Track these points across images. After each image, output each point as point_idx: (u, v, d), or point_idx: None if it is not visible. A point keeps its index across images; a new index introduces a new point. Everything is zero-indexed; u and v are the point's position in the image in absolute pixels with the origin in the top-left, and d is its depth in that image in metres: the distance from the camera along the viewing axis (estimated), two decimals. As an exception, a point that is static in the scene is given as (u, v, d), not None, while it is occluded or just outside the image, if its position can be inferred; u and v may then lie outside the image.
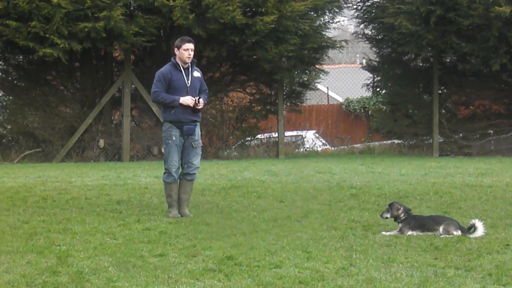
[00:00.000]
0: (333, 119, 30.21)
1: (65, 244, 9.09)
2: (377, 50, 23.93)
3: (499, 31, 20.83)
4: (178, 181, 11.18)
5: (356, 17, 23.44)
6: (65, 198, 12.69)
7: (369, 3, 23.16)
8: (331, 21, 22.89)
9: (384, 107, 25.46)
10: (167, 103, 11.02)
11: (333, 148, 26.13)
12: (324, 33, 22.34)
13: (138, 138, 21.63)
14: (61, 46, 19.40)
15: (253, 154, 22.49)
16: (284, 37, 20.81)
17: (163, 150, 11.52)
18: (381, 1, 22.81)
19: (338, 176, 15.91)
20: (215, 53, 20.94)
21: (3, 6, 19.31)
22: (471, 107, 24.30)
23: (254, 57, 21.56)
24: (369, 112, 29.29)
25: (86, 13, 19.56)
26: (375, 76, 24.49)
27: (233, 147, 23.13)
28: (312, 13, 21.85)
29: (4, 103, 22.56)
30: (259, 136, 23.78)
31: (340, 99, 32.71)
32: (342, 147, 25.93)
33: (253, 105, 23.46)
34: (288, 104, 23.63)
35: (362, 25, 23.69)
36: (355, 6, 23.27)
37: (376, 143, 25.16)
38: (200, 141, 11.28)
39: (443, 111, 23.53)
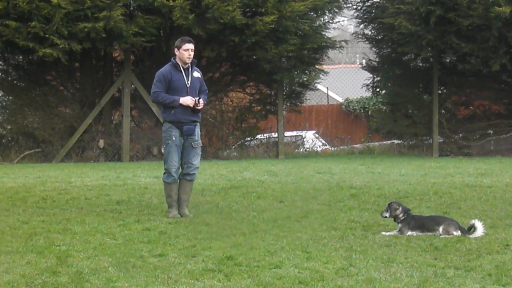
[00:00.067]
0: (333, 119, 30.22)
1: (65, 244, 9.09)
2: (377, 50, 23.94)
3: (498, 31, 20.83)
4: (178, 181, 11.19)
5: (356, 17, 23.45)
6: (65, 198, 12.69)
7: (369, 3, 23.16)
8: (331, 21, 22.90)
9: (384, 107, 25.46)
10: (167, 103, 11.02)
11: (333, 148, 26.13)
12: (324, 33, 22.35)
13: (138, 138, 21.63)
14: (61, 46, 19.40)
15: (252, 154, 22.49)
16: (284, 37, 20.82)
17: (163, 151, 11.52)
18: (381, 1, 22.81)
19: (338, 176, 15.91)
20: (214, 53, 20.94)
21: (3, 6, 19.30)
22: (471, 107, 24.31)
23: (254, 57, 21.57)
24: (369, 112, 29.29)
25: (86, 13, 19.56)
26: (375, 76, 24.49)
27: (233, 147, 23.13)
28: (312, 13, 21.85)
29: (4, 103, 22.55)
30: (259, 136, 23.78)
31: (340, 99, 32.71)
32: (342, 147, 25.93)
33: (253, 105, 23.46)
34: (288, 104, 23.63)
35: (362, 25, 23.69)
36: (355, 6, 23.27)
37: (376, 143, 25.17)
38: (200, 141, 11.28)
39: (443, 111, 23.53)
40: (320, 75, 23.32)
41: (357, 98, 30.50)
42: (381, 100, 26.25)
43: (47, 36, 19.36)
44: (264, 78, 22.76)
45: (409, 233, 9.79)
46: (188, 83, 11.06)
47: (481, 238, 9.47)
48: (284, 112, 23.51)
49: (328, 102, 32.99)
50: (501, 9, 20.28)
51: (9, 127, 22.00)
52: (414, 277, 7.63)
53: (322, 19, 22.53)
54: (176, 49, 11.09)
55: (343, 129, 29.04)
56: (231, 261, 8.23)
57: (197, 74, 11.21)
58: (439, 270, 7.95)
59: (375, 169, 17.34)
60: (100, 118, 21.48)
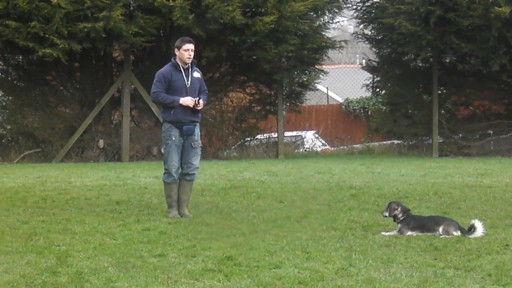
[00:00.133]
0: (333, 120, 30.22)
1: (65, 244, 9.09)
2: (377, 51, 23.94)
3: (498, 32, 20.84)
4: (178, 181, 11.18)
5: (356, 18, 23.45)
6: (65, 199, 12.69)
7: (368, 4, 23.17)
8: (330, 21, 22.90)
9: (384, 108, 25.46)
10: (167, 103, 11.02)
11: (332, 149, 26.13)
12: (323, 33, 22.35)
13: (138, 138, 21.63)
14: (60, 46, 19.40)
15: (252, 155, 22.49)
16: (283, 38, 20.82)
17: (162, 151, 11.52)
18: (380, 2, 22.81)
19: (337, 176, 15.92)
20: (214, 54, 20.94)
21: (2, 6, 19.30)
22: (470, 108, 24.31)
23: (254, 57, 21.57)
24: (369, 112, 29.30)
25: (85, 13, 19.56)
26: (375, 76, 24.50)
27: (233, 147, 23.14)
28: (311, 13, 21.84)
29: (4, 103, 22.55)
30: (258, 136, 23.78)
31: (340, 100, 32.72)
32: (341, 147, 25.93)
33: (252, 105, 23.47)
34: (288, 104, 23.64)
35: (361, 26, 23.69)
36: (354, 7, 23.28)
37: (376, 143, 25.17)
38: (200, 141, 11.28)
39: (443, 111, 23.54)
40: (320, 75, 23.34)
41: (357, 98, 30.51)
42: (381, 100, 26.26)
43: (47, 36, 19.36)
44: (264, 78, 22.76)
45: (409, 233, 9.79)
46: (188, 84, 11.06)
47: (481, 238, 9.47)
48: (284, 112, 23.52)
49: (328, 102, 33.00)
50: (501, 9, 20.29)
51: (9, 127, 22.00)
52: (414, 277, 7.64)
53: (322, 19, 22.54)
54: (176, 49, 11.09)
55: (343, 129, 29.04)
56: (231, 261, 8.23)
57: (197, 74, 11.21)
58: (439, 270, 7.95)
59: (375, 169, 17.34)
60: (100, 118, 21.48)
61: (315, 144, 25.79)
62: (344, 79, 31.60)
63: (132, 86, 21.59)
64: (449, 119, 23.34)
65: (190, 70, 11.10)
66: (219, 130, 22.95)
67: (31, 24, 19.31)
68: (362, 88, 24.97)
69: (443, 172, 16.81)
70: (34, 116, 21.91)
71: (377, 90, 24.82)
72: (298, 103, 23.76)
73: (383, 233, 9.88)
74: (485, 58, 21.59)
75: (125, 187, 14.08)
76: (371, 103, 29.49)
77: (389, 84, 24.18)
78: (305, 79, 23.13)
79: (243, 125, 23.37)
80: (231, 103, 23.69)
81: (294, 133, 26.19)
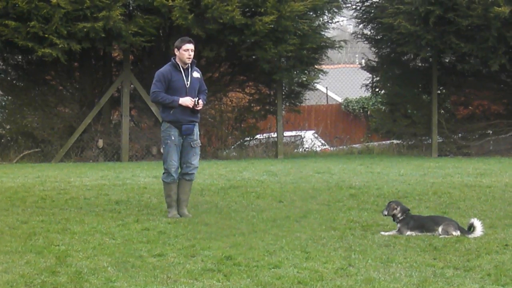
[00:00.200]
0: (332, 119, 30.22)
1: (64, 244, 9.09)
2: (376, 50, 23.93)
3: (498, 32, 20.83)
4: (177, 181, 11.18)
5: (355, 17, 23.44)
6: (64, 198, 12.69)
7: (368, 3, 23.16)
8: (330, 21, 22.90)
9: (383, 107, 25.45)
10: (166, 103, 11.01)
11: (332, 148, 26.13)
12: (323, 33, 22.35)
13: (137, 138, 21.62)
14: (60, 46, 19.39)
15: (252, 154, 22.49)
16: (283, 37, 20.81)
17: (162, 150, 11.52)
18: (380, 1, 22.81)
19: (337, 176, 15.92)
20: (214, 53, 20.94)
21: (2, 6, 19.30)
22: (470, 107, 24.31)
23: (253, 57, 21.56)
24: (368, 112, 29.29)
25: (85, 13, 19.55)
26: (374, 76, 24.50)
27: (232, 147, 23.13)
28: (311, 13, 21.84)
29: (3, 103, 22.54)
30: (258, 136, 23.78)
31: (339, 99, 32.72)
32: (341, 147, 25.93)
33: (252, 105, 23.46)
34: (287, 104, 23.63)
35: (361, 25, 23.68)
36: (354, 6, 23.28)
37: (375, 143, 25.16)
38: (199, 141, 11.28)
39: (442, 111, 23.53)
40: (319, 75, 23.31)
41: (356, 98, 30.50)
42: (380, 100, 26.25)
43: (46, 36, 19.35)
44: (263, 78, 22.76)
45: (408, 233, 9.79)
46: (187, 84, 11.06)
47: (480, 238, 9.47)
48: (283, 112, 23.51)
49: (327, 102, 33.00)
50: (500, 9, 20.29)
51: (8, 127, 21.99)
52: (413, 277, 7.64)
53: (321, 19, 22.54)
54: (176, 49, 11.08)
55: (342, 129, 29.04)
56: (230, 261, 8.23)
57: (196, 74, 11.20)
58: (438, 270, 7.96)
59: (374, 169, 17.34)
60: (99, 118, 21.48)
61: (314, 144, 25.80)
62: (343, 79, 31.60)
63: (132, 86, 21.58)
64: (448, 119, 23.34)
65: (189, 70, 11.10)
66: (219, 130, 22.95)
67: (31, 24, 19.30)
68: (361, 88, 24.97)
69: (443, 172, 16.81)
70: (34, 116, 21.90)
71: (377, 90, 24.83)
72: (297, 103, 23.75)
73: (383, 233, 9.88)
74: (484, 58, 21.60)
75: (124, 187, 14.08)
76: (371, 103, 29.49)
77: (388, 84, 24.19)
78: (304, 79, 23.12)
79: (242, 125, 23.37)
80: (230, 103, 23.68)
81: (293, 133, 26.19)
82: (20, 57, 22.15)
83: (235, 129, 23.36)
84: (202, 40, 20.30)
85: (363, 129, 28.40)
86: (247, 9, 20.96)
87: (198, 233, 9.82)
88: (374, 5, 22.97)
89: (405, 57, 23.75)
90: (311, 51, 21.91)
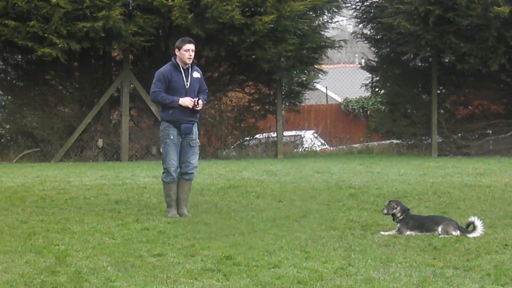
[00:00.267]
0: (332, 119, 30.21)
1: (64, 243, 9.09)
2: (376, 50, 23.93)
3: (497, 31, 20.83)
4: (177, 180, 11.18)
5: (355, 17, 23.44)
6: (64, 198, 12.68)
7: (368, 3, 23.16)
8: (330, 21, 22.90)
9: (383, 107, 25.45)
10: (166, 103, 11.00)
11: (331, 148, 26.13)
12: (323, 33, 22.35)
13: (137, 138, 21.62)
14: (59, 45, 19.39)
15: (251, 154, 22.49)
16: (283, 37, 20.81)
17: (161, 150, 11.51)
18: (380, 1, 22.81)
19: (336, 176, 15.91)
20: (213, 53, 20.94)
21: (2, 5, 19.31)
22: (469, 107, 24.31)
23: (253, 57, 21.56)
24: (368, 112, 29.29)
25: (84, 12, 19.55)
26: (374, 76, 24.50)
27: (232, 147, 23.13)
28: (311, 13, 21.84)
29: (3, 103, 22.54)
30: (257, 136, 23.78)
31: (339, 99, 32.71)
32: (340, 147, 25.93)
33: (251, 105, 23.46)
34: (287, 104, 23.64)
35: (361, 25, 23.69)
36: (354, 6, 23.28)
37: (375, 143, 25.16)
38: (198, 140, 11.27)
39: (442, 111, 23.53)
40: (319, 75, 23.33)
41: (356, 98, 30.50)
42: (380, 99, 26.25)
43: (46, 35, 19.35)
44: (263, 78, 22.76)
45: (408, 232, 9.79)
46: (187, 85, 11.05)
47: (480, 238, 9.47)
48: (283, 111, 23.51)
49: (327, 102, 33.00)
50: (500, 9, 20.29)
51: (8, 126, 21.99)
52: (413, 277, 7.64)
53: (321, 18, 22.54)
54: (176, 50, 11.07)
55: (342, 129, 29.03)
56: (230, 260, 8.23)
57: (196, 74, 11.19)
58: (438, 269, 7.96)
59: (374, 169, 17.34)
60: (99, 118, 21.48)
61: (314, 143, 25.79)
62: (343, 79, 31.60)
63: (131, 85, 21.58)
64: (448, 119, 23.33)
65: (190, 70, 11.09)
66: (218, 129, 22.95)
67: (30, 23, 19.30)
68: (361, 87, 24.97)
69: (442, 171, 16.81)
70: (33, 115, 21.91)
71: (376, 89, 24.82)
72: (297, 103, 23.76)
73: (382, 232, 9.88)
74: (484, 58, 21.60)
75: (124, 186, 14.08)
76: (370, 102, 29.49)
77: (388, 84, 24.19)
78: (304, 78, 23.12)
79: (242, 125, 23.37)
80: (230, 102, 23.68)
81: (293, 133, 26.18)
82: (19, 56, 22.16)
83: (234, 128, 23.36)
84: (201, 40, 20.30)
85: (362, 129, 28.40)
86: (247, 9, 20.97)
87: (198, 233, 9.82)
88: (374, 5, 22.97)
89: (405, 57, 23.75)
90: (311, 50, 21.92)
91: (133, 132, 21.65)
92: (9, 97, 22.39)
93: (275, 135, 23.02)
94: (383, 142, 24.98)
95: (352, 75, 30.36)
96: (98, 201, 12.42)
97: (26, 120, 21.76)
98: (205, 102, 11.31)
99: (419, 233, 9.77)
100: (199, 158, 11.37)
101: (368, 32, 23.80)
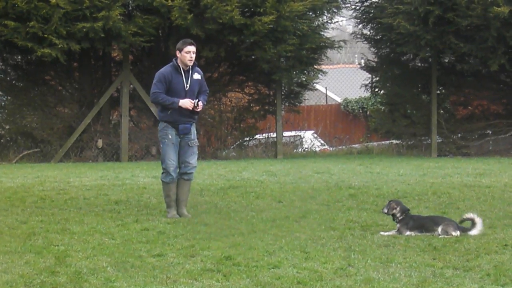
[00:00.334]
0: (332, 119, 30.22)
1: (63, 244, 9.09)
2: (376, 50, 23.92)
3: (497, 32, 20.83)
4: (176, 181, 11.18)
5: (355, 17, 23.43)
6: (64, 198, 12.68)
7: (367, 3, 23.16)
8: (329, 21, 22.91)
9: (383, 107, 25.45)
10: (166, 104, 11.00)
11: (331, 148, 26.13)
12: (322, 33, 22.36)
13: (137, 138, 21.62)
14: (59, 46, 19.40)
15: (251, 154, 22.49)
16: (282, 37, 20.82)
17: (160, 150, 11.50)
18: (379, 1, 22.81)
19: (336, 176, 15.91)
20: (213, 53, 20.94)
21: (1, 6, 19.31)
22: (469, 107, 24.31)
23: (253, 57, 21.57)
24: (368, 112, 29.30)
25: (84, 13, 19.55)
26: (374, 76, 24.50)
27: (232, 147, 23.13)
28: (310, 13, 21.85)
29: (3, 103, 22.55)
30: (257, 136, 23.78)
31: (339, 99, 32.72)
32: (340, 147, 25.93)
33: (251, 105, 23.47)
34: (287, 104, 23.64)
35: (360, 25, 23.68)
36: (353, 6, 23.28)
37: (375, 143, 25.17)
38: (197, 140, 11.27)
39: (442, 111, 23.53)
40: (319, 75, 23.35)
41: (355, 98, 30.51)
42: (379, 100, 26.25)
43: (45, 36, 19.35)
44: (262, 78, 22.76)
45: (408, 233, 9.79)
46: (187, 86, 11.04)
47: (480, 238, 9.47)
48: (283, 112, 23.51)
49: (326, 102, 33.00)
50: (500, 9, 20.28)
51: (7, 127, 22.00)
52: (412, 277, 7.64)
53: (320, 19, 22.55)
54: (177, 51, 11.05)
55: (341, 129, 29.04)
56: (230, 261, 8.23)
57: (197, 76, 11.18)
58: (437, 270, 7.95)
59: (373, 169, 17.34)
60: (98, 118, 21.48)
61: (314, 144, 25.80)
62: (343, 79, 31.61)
63: (131, 86, 21.58)
64: (448, 119, 23.33)
65: (190, 72, 11.08)
66: (218, 130, 22.95)
67: (30, 24, 19.30)
68: (361, 88, 24.97)
69: (442, 172, 16.81)
70: (33, 116, 21.91)
71: (376, 90, 24.83)
72: (297, 103, 23.76)
73: (382, 233, 9.88)
74: (484, 58, 21.59)
75: (123, 187, 14.08)
76: (370, 103, 29.50)
77: (388, 84, 24.18)
78: (304, 79, 23.13)
79: (242, 125, 23.38)
80: (230, 103, 23.69)
81: (293, 133, 26.19)
82: (19, 57, 22.17)
83: (234, 129, 23.36)
84: (201, 40, 20.29)
85: (362, 129, 28.40)
86: (246, 9, 20.97)
87: (198, 233, 9.82)
88: (374, 5, 22.97)
89: (405, 57, 23.75)
90: (311, 51, 21.92)
91: (132, 133, 21.65)
92: (9, 98, 22.39)
93: (274, 135, 23.03)
94: (383, 142, 24.98)
95: (351, 75, 30.36)
96: (97, 202, 12.42)
97: (25, 121, 21.76)
98: (205, 103, 11.31)
99: (418, 234, 9.77)
100: (198, 159, 11.37)
101: (368, 33, 23.80)
